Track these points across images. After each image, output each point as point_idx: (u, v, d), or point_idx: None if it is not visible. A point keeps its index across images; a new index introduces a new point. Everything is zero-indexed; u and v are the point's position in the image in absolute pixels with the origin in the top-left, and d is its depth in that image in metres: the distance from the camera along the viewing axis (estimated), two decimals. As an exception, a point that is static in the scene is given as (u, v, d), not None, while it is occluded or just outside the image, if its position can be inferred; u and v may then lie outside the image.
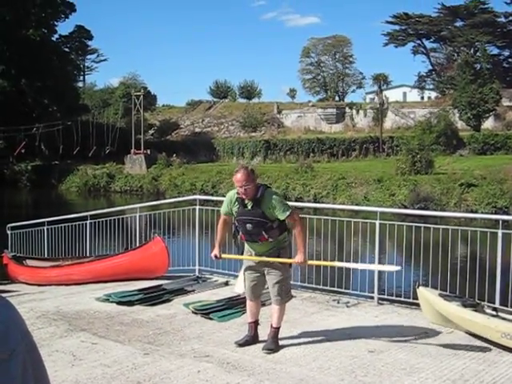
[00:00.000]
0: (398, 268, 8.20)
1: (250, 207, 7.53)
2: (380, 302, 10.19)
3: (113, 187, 58.95)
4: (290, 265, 7.92)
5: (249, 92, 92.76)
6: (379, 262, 10.62)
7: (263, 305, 8.63)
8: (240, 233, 7.69)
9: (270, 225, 7.47)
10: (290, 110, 78.97)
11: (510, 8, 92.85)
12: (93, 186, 58.91)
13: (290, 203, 8.57)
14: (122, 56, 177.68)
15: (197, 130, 79.11)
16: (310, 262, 8.27)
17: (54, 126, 62.76)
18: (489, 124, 64.57)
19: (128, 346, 7.81)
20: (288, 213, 7.50)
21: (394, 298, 10.38)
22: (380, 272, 10.34)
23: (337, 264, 8.82)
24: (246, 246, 7.85)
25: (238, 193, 7.55)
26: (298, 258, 7.60)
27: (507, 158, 50.28)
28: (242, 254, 7.97)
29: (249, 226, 7.47)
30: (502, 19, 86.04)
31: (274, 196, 7.55)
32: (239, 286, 8.55)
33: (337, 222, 11.75)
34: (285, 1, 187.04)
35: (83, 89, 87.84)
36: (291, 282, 8.65)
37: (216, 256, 8.01)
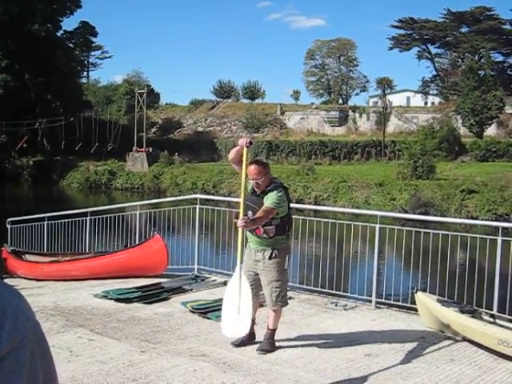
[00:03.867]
0: None
1: (256, 195, 7.60)
2: (378, 305, 10.19)
3: (114, 184, 58.95)
4: (286, 269, 7.92)
5: (252, 92, 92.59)
6: (378, 266, 10.62)
7: (261, 305, 8.62)
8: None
9: (268, 220, 7.48)
10: (293, 112, 78.90)
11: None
12: (94, 183, 58.87)
13: (291, 205, 8.50)
14: (126, 53, 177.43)
15: (199, 129, 79.08)
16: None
17: (57, 122, 62.75)
18: (491, 131, 64.52)
19: (125, 344, 7.81)
20: (271, 205, 7.37)
21: (391, 302, 10.39)
22: (378, 275, 10.36)
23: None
24: (248, 238, 7.80)
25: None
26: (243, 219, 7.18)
27: (509, 165, 50.43)
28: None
29: (250, 213, 7.49)
30: (508, 26, 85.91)
31: (275, 191, 7.55)
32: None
33: (337, 225, 11.75)
34: (290, 2, 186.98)
35: (87, 85, 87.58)
36: (289, 284, 8.66)
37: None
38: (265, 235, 7.51)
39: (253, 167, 7.53)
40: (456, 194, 39.12)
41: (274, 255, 7.56)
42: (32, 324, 1.30)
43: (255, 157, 62.30)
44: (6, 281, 13.29)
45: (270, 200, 7.44)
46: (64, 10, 71.56)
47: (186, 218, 13.43)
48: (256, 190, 7.59)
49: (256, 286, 7.77)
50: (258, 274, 7.70)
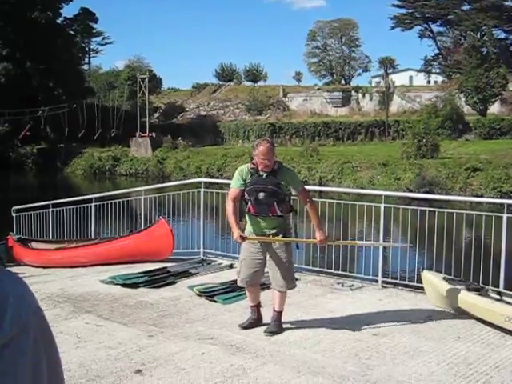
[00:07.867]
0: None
1: (265, 176, 7.50)
2: (384, 285, 10.20)
3: (118, 170, 58.93)
4: (297, 246, 8.04)
5: (254, 75, 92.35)
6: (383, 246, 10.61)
7: (266, 287, 8.64)
8: (248, 205, 7.55)
9: (282, 197, 7.46)
10: (296, 94, 78.63)
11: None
12: (98, 169, 58.86)
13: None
14: (127, 39, 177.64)
15: (202, 113, 78.86)
16: (329, 243, 8.32)
17: (59, 109, 62.58)
18: (495, 109, 64.26)
19: (132, 328, 7.83)
20: (301, 187, 7.72)
21: (398, 281, 10.39)
22: (384, 255, 10.36)
23: (357, 243, 8.90)
24: (249, 226, 7.72)
25: (253, 164, 7.56)
26: (320, 236, 7.62)
27: (513, 142, 50.22)
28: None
29: (262, 194, 7.42)
30: (510, 3, 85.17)
31: (290, 170, 7.93)
32: None
33: (342, 206, 11.72)
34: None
35: (88, 71, 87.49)
36: (295, 265, 8.69)
37: (241, 237, 7.46)
38: (280, 213, 7.48)
39: (265, 147, 7.44)
40: (460, 173, 39.04)
41: (286, 235, 7.57)
42: (34, 310, 1.29)
43: (259, 137, 62.30)
44: (12, 269, 13.33)
45: (296, 182, 7.75)
46: (64, -4, 71.38)
47: (190, 202, 13.44)
48: (264, 169, 7.47)
49: (258, 273, 7.78)
50: (262, 262, 7.67)
